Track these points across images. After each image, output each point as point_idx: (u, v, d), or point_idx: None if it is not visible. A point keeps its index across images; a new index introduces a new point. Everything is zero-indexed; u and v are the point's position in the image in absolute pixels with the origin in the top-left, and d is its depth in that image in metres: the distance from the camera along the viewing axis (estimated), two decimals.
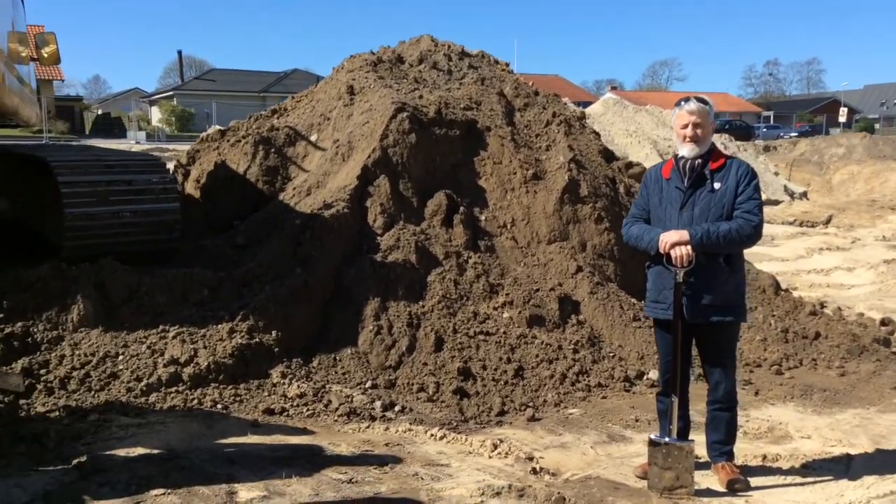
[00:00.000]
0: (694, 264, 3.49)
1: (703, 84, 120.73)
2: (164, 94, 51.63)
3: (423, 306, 5.62)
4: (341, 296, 5.59)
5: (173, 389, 4.55)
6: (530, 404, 4.84)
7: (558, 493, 3.47)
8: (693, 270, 3.51)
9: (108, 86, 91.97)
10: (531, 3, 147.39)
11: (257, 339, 5.00)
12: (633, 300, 6.08)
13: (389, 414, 4.60)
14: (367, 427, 4.38)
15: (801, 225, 14.93)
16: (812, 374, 5.65)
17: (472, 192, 6.87)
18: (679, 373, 3.61)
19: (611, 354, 5.60)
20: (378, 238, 6.08)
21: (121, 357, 4.74)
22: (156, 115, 48.94)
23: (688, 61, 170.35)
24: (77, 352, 4.73)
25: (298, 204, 6.66)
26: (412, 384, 4.98)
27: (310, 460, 3.78)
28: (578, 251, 6.49)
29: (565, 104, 9.03)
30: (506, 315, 5.74)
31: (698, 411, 3.96)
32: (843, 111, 52.68)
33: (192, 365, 4.71)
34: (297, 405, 4.58)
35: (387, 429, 4.36)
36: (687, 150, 3.62)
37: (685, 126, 3.62)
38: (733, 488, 3.58)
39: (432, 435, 4.27)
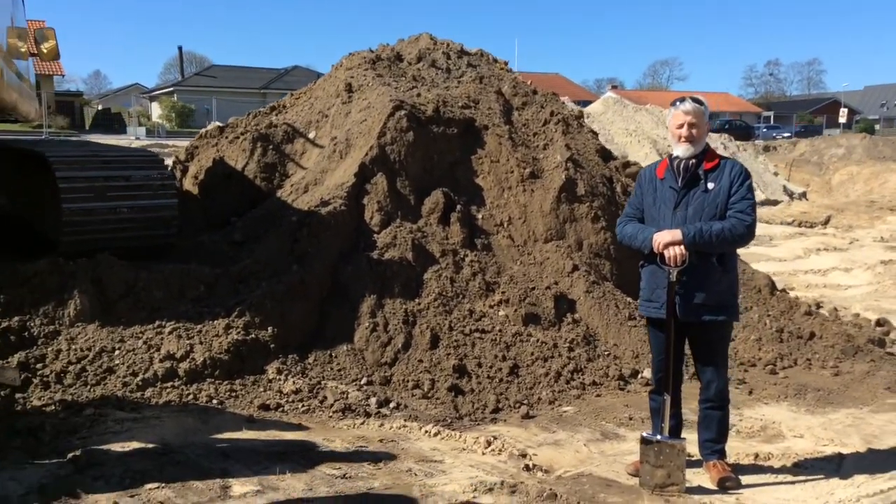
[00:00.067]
0: (687, 264, 3.52)
1: (704, 84, 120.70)
2: (164, 90, 51.63)
3: (420, 304, 5.64)
4: (338, 293, 5.60)
5: (169, 384, 4.57)
6: (525, 402, 4.86)
7: (550, 489, 3.49)
8: (686, 270, 3.53)
9: (108, 81, 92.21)
10: (532, 2, 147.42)
11: (253, 336, 5.01)
12: (629, 299, 6.09)
13: (384, 410, 4.62)
14: (362, 423, 4.40)
15: (799, 225, 14.95)
16: (806, 373, 5.67)
17: (469, 190, 6.88)
18: (672, 371, 3.64)
19: (606, 353, 5.62)
20: (375, 235, 6.09)
21: (117, 352, 4.76)
22: (156, 111, 48.94)
23: (688, 61, 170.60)
24: (73, 346, 4.75)
25: (296, 201, 6.68)
26: (407, 381, 5.00)
27: (304, 456, 3.80)
28: (575, 250, 6.50)
29: (563, 103, 9.04)
30: (501, 313, 5.76)
31: (691, 410, 3.98)
32: (844, 112, 52.66)
33: (187, 360, 4.73)
34: (293, 401, 4.60)
35: (381, 425, 4.38)
36: (682, 150, 3.65)
37: (680, 126, 3.64)
38: (724, 486, 3.61)
39: (426, 431, 4.29)
